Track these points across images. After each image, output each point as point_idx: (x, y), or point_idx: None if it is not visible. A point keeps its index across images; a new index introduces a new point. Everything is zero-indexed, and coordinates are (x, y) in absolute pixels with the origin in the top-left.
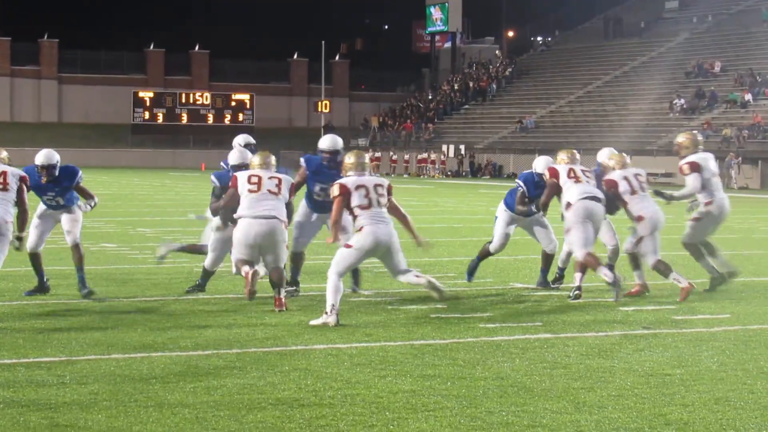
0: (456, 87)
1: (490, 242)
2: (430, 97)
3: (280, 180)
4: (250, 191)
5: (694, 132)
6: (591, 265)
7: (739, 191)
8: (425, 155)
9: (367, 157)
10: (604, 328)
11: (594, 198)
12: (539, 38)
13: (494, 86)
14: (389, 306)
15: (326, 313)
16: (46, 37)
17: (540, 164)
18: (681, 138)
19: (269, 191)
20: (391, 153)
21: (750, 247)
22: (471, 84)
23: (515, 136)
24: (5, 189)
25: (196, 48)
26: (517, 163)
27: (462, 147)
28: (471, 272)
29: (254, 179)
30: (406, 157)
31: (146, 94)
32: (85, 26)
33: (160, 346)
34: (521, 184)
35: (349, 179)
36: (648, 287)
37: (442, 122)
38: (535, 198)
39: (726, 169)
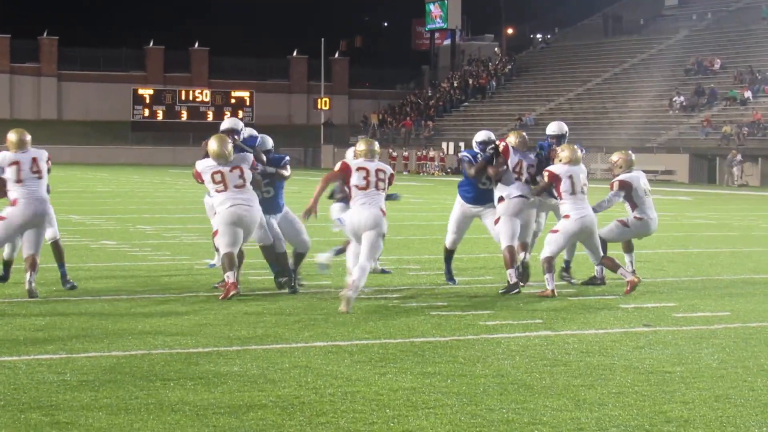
0: (455, 84)
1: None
2: (429, 94)
3: (241, 168)
4: (218, 191)
5: (629, 152)
6: (506, 260)
7: (738, 189)
8: (425, 152)
9: (377, 144)
10: (604, 326)
11: (524, 197)
12: (539, 35)
13: (494, 83)
14: (389, 303)
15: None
16: (45, 34)
17: (480, 136)
18: (615, 157)
19: (236, 187)
20: (391, 150)
21: (750, 245)
22: (470, 81)
23: None
24: (40, 176)
25: (196, 45)
26: None
27: (462, 144)
28: (450, 276)
29: (218, 177)
30: (406, 154)
31: (146, 92)
32: (84, 24)
33: (160, 344)
34: (466, 154)
35: (354, 161)
36: (638, 278)
37: (442, 119)
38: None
39: (728, 167)
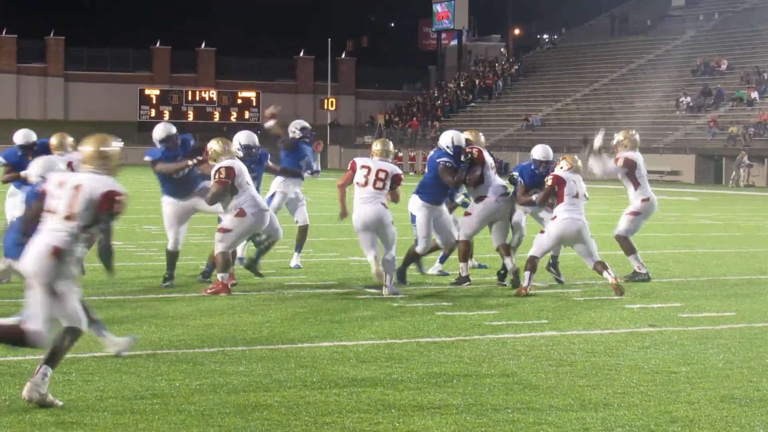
0: (462, 85)
1: (415, 245)
2: (436, 94)
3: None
4: (248, 183)
5: (633, 132)
6: (463, 252)
7: (744, 189)
8: (431, 153)
9: (391, 144)
10: (609, 326)
11: (505, 194)
12: (545, 36)
13: (500, 84)
14: (395, 303)
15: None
16: (52, 34)
17: (455, 139)
18: (621, 136)
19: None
20: (397, 150)
21: (756, 245)
22: (477, 82)
23: (521, 134)
24: None
25: (203, 45)
26: (524, 160)
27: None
28: (402, 278)
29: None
30: (412, 154)
31: (152, 92)
32: (91, 24)
33: (165, 344)
34: (449, 160)
35: (361, 158)
36: (617, 279)
37: (449, 120)
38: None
39: (736, 167)
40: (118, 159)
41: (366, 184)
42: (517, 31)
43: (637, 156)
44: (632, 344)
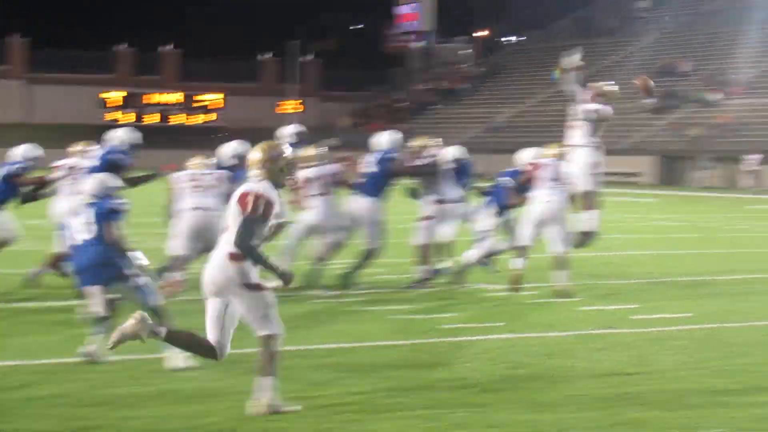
0: (427, 87)
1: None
2: (400, 97)
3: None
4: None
5: (613, 83)
6: (422, 255)
7: (705, 191)
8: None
9: (324, 150)
10: (566, 328)
11: (454, 201)
12: (511, 38)
13: (465, 86)
14: (351, 308)
15: None
16: (15, 36)
17: (390, 137)
18: (607, 88)
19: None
20: (361, 153)
21: (715, 247)
22: (442, 84)
23: (486, 136)
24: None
25: (167, 47)
26: (489, 162)
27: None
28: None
29: None
30: None
31: (116, 94)
32: (54, 26)
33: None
34: (395, 154)
35: (311, 170)
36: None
37: (413, 122)
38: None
39: (697, 169)
40: (284, 163)
41: (328, 192)
42: (482, 34)
43: (609, 111)
44: (588, 346)
